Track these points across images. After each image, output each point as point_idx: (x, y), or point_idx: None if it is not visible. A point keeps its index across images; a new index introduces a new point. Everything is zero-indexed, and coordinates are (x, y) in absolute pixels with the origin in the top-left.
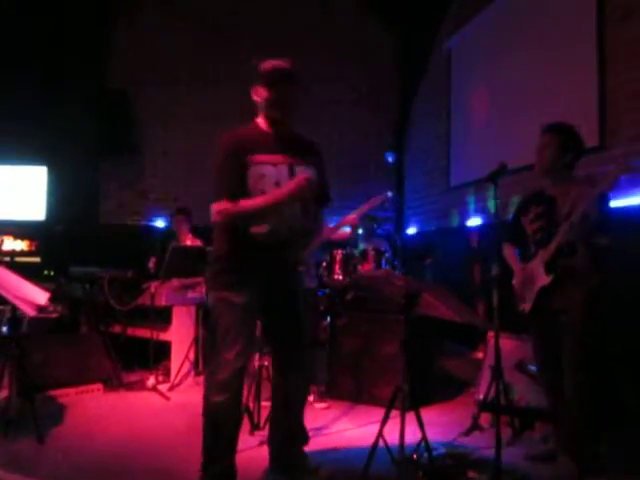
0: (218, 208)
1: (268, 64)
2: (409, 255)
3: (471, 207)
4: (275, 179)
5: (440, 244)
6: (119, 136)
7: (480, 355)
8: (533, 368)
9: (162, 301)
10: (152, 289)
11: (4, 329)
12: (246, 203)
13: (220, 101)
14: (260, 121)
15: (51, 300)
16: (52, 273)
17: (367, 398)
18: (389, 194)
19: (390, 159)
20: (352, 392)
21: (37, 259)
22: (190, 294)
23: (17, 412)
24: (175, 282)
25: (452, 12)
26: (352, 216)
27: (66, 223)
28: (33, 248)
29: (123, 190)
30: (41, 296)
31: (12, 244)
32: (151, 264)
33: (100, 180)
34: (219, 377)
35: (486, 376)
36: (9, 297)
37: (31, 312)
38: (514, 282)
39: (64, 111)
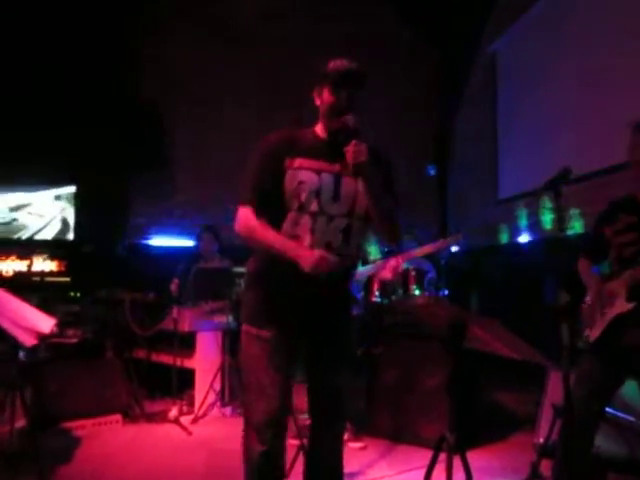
0: (239, 216)
1: (334, 63)
2: (454, 275)
3: (523, 221)
4: (316, 187)
5: (488, 263)
6: (149, 153)
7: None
8: (619, 414)
9: (185, 326)
10: (174, 313)
11: (21, 354)
12: (260, 233)
13: (251, 117)
14: (318, 127)
15: (59, 326)
16: (78, 295)
17: (408, 437)
18: (461, 236)
19: (432, 172)
20: (391, 430)
21: (67, 279)
22: (216, 319)
23: (24, 445)
24: (200, 306)
25: (496, 13)
26: (396, 260)
27: (94, 243)
28: (63, 268)
29: (152, 208)
30: (45, 324)
31: (42, 264)
32: (173, 286)
33: (129, 198)
34: (254, 421)
35: (547, 416)
36: (5, 325)
37: (30, 342)
38: (586, 300)
39: (93, 129)
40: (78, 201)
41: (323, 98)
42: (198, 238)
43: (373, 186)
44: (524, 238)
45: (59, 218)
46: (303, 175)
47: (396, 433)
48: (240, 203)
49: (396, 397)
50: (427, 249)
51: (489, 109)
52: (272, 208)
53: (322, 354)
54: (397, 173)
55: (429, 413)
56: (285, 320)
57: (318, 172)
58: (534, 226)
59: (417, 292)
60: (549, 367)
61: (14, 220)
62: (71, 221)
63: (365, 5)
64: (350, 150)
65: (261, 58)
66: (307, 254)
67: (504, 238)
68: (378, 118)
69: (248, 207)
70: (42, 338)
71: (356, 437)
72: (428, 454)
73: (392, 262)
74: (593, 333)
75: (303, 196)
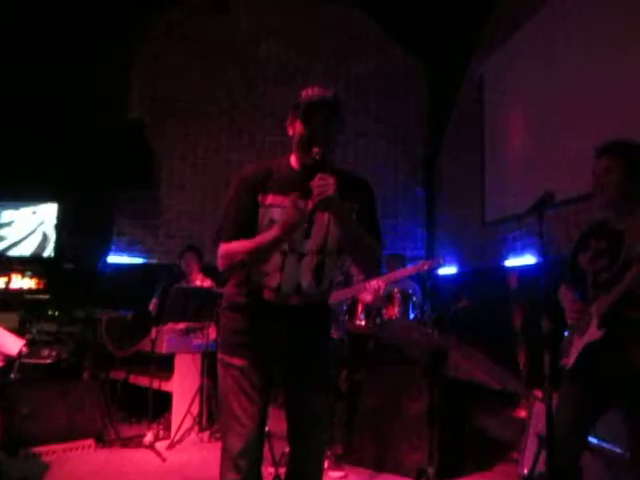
0: (220, 251)
1: (306, 92)
2: (441, 298)
3: (509, 245)
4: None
5: (475, 286)
6: (135, 172)
7: (522, 414)
8: (605, 445)
9: (163, 348)
10: (153, 334)
11: None
12: (237, 246)
13: (238, 136)
14: (292, 158)
15: (31, 346)
16: (56, 313)
17: (391, 466)
18: (442, 260)
19: (419, 193)
20: (373, 458)
21: (46, 297)
22: (195, 340)
23: None
24: (178, 326)
25: (483, 37)
26: (376, 283)
27: (76, 261)
28: (42, 286)
29: (136, 226)
30: (13, 345)
31: (20, 282)
32: (152, 306)
33: (113, 216)
34: (228, 450)
35: (532, 446)
36: None
37: None
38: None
39: (78, 146)
40: (60, 218)
41: (295, 128)
42: (180, 257)
43: (345, 222)
44: (510, 262)
45: (39, 234)
46: (274, 213)
47: (378, 461)
48: (220, 241)
49: (378, 424)
50: (407, 271)
51: (476, 131)
52: None
53: (297, 379)
54: (377, 205)
55: (413, 440)
56: (257, 348)
57: (286, 207)
58: (520, 250)
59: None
60: (528, 397)
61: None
62: (52, 238)
63: (354, 26)
64: (315, 184)
65: (252, 77)
66: (277, 226)
67: (491, 260)
68: (365, 139)
69: (227, 242)
70: (9, 360)
71: (336, 466)
72: None
73: (373, 284)
74: (568, 361)
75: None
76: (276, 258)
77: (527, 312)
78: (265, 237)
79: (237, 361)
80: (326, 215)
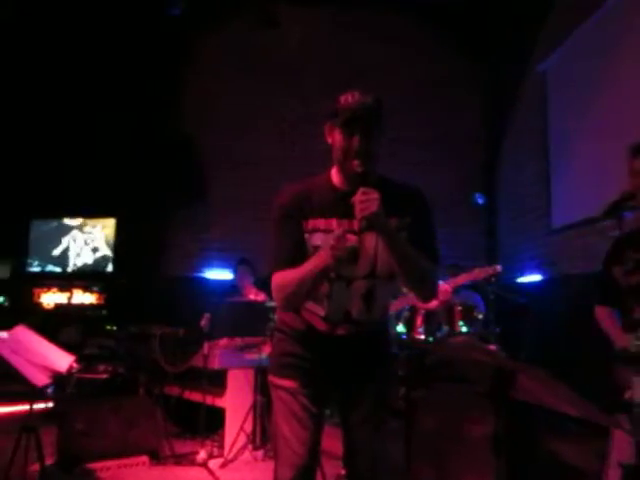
0: (272, 284)
1: (344, 99)
2: (506, 311)
3: (578, 252)
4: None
5: (542, 297)
6: (188, 186)
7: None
8: None
9: (215, 363)
10: (205, 349)
11: (49, 390)
12: (290, 276)
13: (290, 147)
14: (333, 172)
15: (84, 362)
16: (114, 328)
17: None
18: (498, 268)
19: (480, 201)
20: None
21: (105, 312)
22: (247, 355)
23: None
24: (230, 342)
25: (546, 30)
26: (444, 286)
27: (131, 276)
28: (102, 301)
29: (189, 241)
30: (63, 362)
31: (82, 297)
32: (203, 322)
33: (167, 231)
34: (280, 477)
35: (614, 476)
36: (18, 364)
37: (42, 381)
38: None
39: (133, 162)
40: (117, 233)
41: (334, 139)
42: (234, 271)
43: (392, 242)
44: (581, 270)
45: (99, 250)
46: (317, 239)
47: None
48: (272, 274)
49: (439, 446)
50: (463, 278)
51: (540, 132)
52: None
53: (352, 415)
54: (431, 219)
55: (476, 465)
56: (307, 370)
57: (330, 232)
58: (592, 257)
59: (464, 329)
60: (612, 426)
61: (55, 251)
62: (110, 253)
63: (405, 28)
64: (357, 200)
65: (303, 89)
66: (323, 252)
67: (559, 270)
68: (421, 146)
69: (277, 274)
70: (58, 377)
71: None
72: None
73: (439, 288)
74: (635, 394)
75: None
76: (324, 285)
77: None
78: (310, 265)
79: (287, 383)
80: (374, 235)
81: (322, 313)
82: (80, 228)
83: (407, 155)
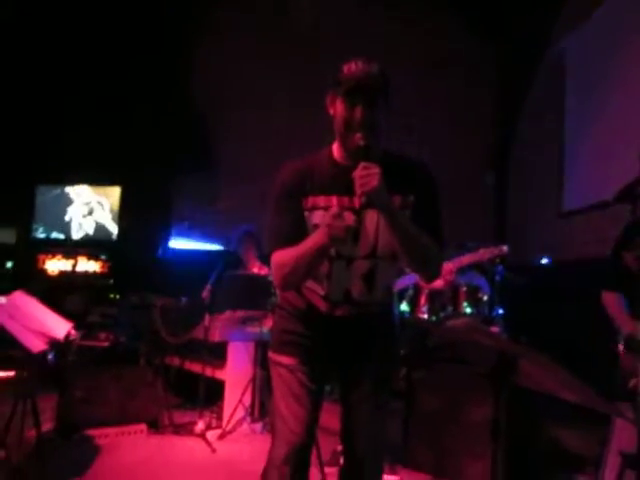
0: (272, 264)
1: (348, 67)
2: (512, 294)
3: (589, 235)
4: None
5: (550, 279)
6: (194, 157)
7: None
8: None
9: (216, 336)
10: (206, 321)
11: (50, 356)
12: (284, 254)
13: (299, 120)
14: (335, 147)
15: (81, 330)
16: (117, 297)
17: (451, 473)
18: (505, 248)
19: (490, 180)
20: (431, 463)
21: (110, 281)
22: (249, 329)
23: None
24: (232, 315)
25: (566, 7)
26: (449, 266)
27: (136, 245)
28: (106, 270)
29: (196, 211)
30: (61, 328)
31: (86, 265)
32: (205, 293)
33: (174, 201)
34: (274, 453)
35: (613, 464)
36: (15, 329)
37: (38, 348)
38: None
39: (139, 131)
40: (123, 202)
41: (336, 110)
42: (238, 243)
43: (393, 220)
44: (592, 254)
45: (102, 218)
46: (317, 217)
47: (437, 468)
48: (270, 254)
49: (438, 427)
50: (467, 259)
51: (556, 113)
52: None
53: (351, 395)
54: (438, 197)
55: (475, 448)
56: (307, 348)
57: (329, 209)
58: (604, 241)
59: (468, 310)
60: (612, 414)
61: (60, 218)
62: (115, 222)
63: (420, 3)
64: (357, 175)
65: (313, 62)
66: (320, 231)
67: (568, 253)
68: (431, 123)
69: (275, 253)
70: (55, 344)
71: (391, 469)
72: None
73: (444, 267)
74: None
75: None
76: (324, 264)
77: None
78: (307, 244)
79: (286, 360)
80: (375, 213)
81: (322, 292)
82: (85, 196)
83: (418, 133)
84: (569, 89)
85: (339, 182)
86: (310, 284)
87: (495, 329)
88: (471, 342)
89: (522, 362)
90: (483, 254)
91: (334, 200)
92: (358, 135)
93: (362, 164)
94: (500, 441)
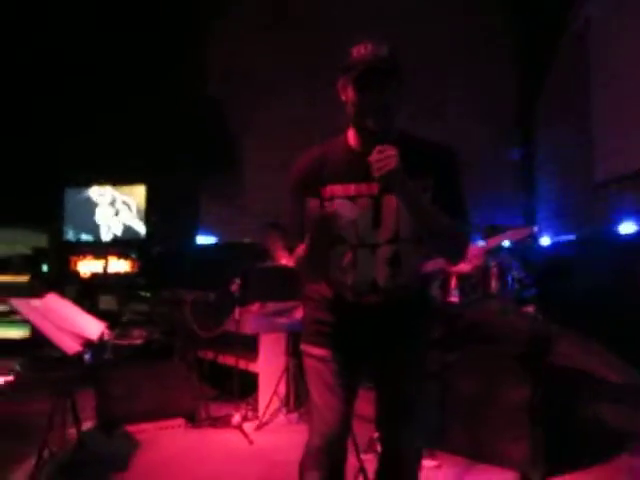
0: (293, 258)
1: (357, 50)
2: (544, 272)
3: (624, 208)
4: (353, 218)
5: (583, 257)
6: (219, 153)
7: None
8: None
9: (247, 328)
10: (236, 315)
11: (87, 356)
12: (297, 255)
13: (321, 110)
14: (350, 133)
15: (116, 329)
16: (148, 294)
17: (489, 456)
18: (535, 228)
19: (516, 156)
20: (469, 447)
21: (140, 279)
22: (279, 320)
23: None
24: (262, 307)
25: None
26: (477, 249)
27: (164, 242)
28: (136, 268)
29: (222, 207)
30: (94, 329)
31: (117, 265)
32: (234, 287)
33: (200, 197)
34: (310, 443)
35: None
36: (50, 331)
37: (72, 349)
38: None
39: (164, 129)
40: (148, 200)
41: (348, 95)
42: (264, 236)
43: (411, 203)
44: (627, 228)
45: (130, 219)
46: (336, 205)
47: (475, 451)
48: (292, 249)
49: (475, 410)
50: (496, 240)
51: (581, 83)
52: None
53: (386, 377)
54: (458, 178)
55: (514, 430)
56: (339, 338)
57: (352, 198)
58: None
59: (500, 291)
60: None
61: (89, 220)
62: (142, 221)
63: None
64: (373, 159)
65: (332, 47)
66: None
67: (601, 229)
68: (451, 98)
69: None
70: (89, 344)
71: (430, 454)
72: (513, 477)
73: (471, 250)
74: None
75: (342, 231)
76: (348, 255)
77: None
78: (305, 242)
79: (317, 351)
80: (396, 198)
81: (349, 282)
82: (110, 196)
83: (440, 110)
84: (594, 57)
85: (355, 169)
86: (337, 274)
87: (529, 309)
88: (504, 323)
89: (560, 343)
90: (512, 235)
91: (352, 188)
92: (371, 120)
93: (378, 147)
94: (538, 422)
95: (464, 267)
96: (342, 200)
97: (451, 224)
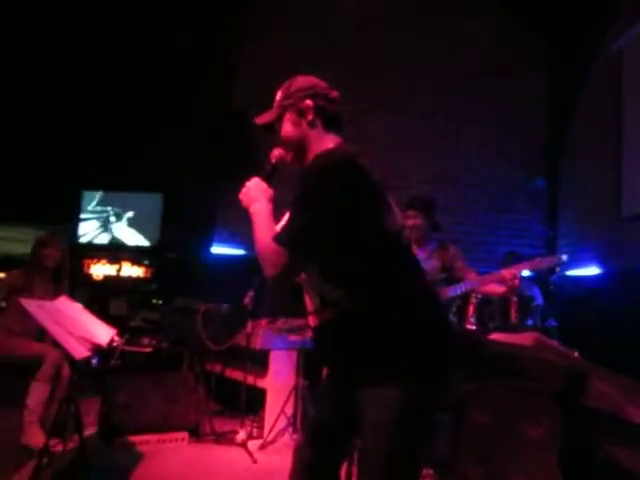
0: None
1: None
2: (566, 305)
3: None
4: None
5: (609, 290)
6: (237, 162)
7: None
8: None
9: (258, 343)
10: (248, 328)
11: (94, 361)
12: None
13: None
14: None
15: (122, 335)
16: (160, 302)
17: None
18: (564, 257)
19: (540, 185)
20: None
21: (153, 286)
22: (291, 337)
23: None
24: (278, 324)
25: (622, 4)
26: (512, 271)
27: (179, 250)
28: (149, 275)
29: (238, 217)
30: (104, 335)
31: (130, 270)
32: (247, 299)
33: (216, 206)
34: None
35: None
36: (59, 334)
37: (80, 354)
38: None
39: (182, 137)
40: (164, 208)
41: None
42: None
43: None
44: None
45: (147, 225)
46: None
47: None
48: None
49: (488, 444)
50: (523, 266)
51: (612, 115)
52: None
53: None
54: (301, 198)
55: (529, 468)
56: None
57: None
58: None
59: (519, 321)
60: None
61: (105, 224)
62: (158, 228)
63: (466, 2)
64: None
65: (357, 62)
66: None
67: (629, 262)
68: (478, 126)
69: None
70: (98, 350)
71: None
72: None
73: (504, 274)
74: None
75: None
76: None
77: None
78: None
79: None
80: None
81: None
82: (125, 203)
83: (467, 135)
84: (626, 91)
85: None
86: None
87: (554, 343)
88: (536, 357)
89: (594, 380)
90: (540, 263)
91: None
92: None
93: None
94: (557, 460)
95: (497, 289)
96: None
97: (263, 239)
